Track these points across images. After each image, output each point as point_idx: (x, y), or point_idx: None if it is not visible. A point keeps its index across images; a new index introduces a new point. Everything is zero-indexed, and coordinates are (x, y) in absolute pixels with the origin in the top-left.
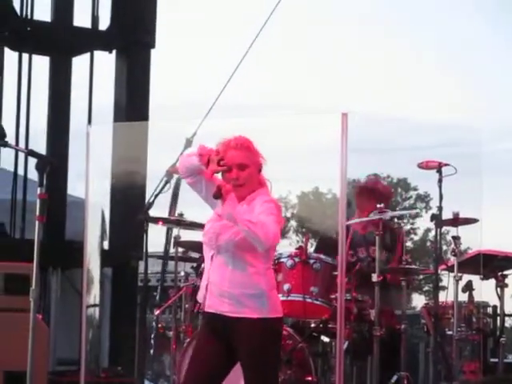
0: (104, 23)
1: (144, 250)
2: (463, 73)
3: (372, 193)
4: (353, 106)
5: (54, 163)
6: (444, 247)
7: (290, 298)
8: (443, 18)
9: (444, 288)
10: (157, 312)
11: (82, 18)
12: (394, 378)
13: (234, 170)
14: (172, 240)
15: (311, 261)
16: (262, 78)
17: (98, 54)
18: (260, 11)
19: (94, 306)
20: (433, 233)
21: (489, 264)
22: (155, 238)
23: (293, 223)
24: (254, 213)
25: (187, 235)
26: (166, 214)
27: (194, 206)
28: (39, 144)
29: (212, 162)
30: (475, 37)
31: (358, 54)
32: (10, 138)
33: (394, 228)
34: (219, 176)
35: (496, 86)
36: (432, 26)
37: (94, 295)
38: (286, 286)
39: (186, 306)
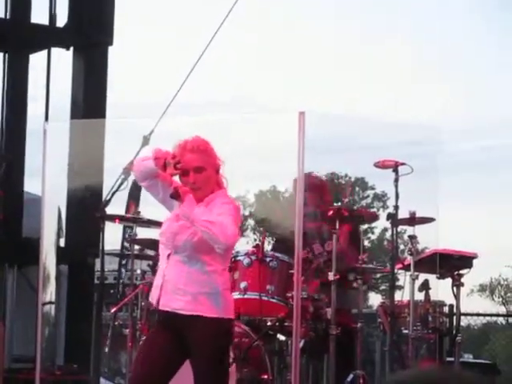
0: (62, 20)
1: (100, 248)
2: (423, 72)
3: (312, 187)
4: (311, 104)
5: (10, 160)
6: (401, 246)
7: (246, 296)
8: (405, 16)
9: (400, 287)
10: (113, 310)
11: (39, 15)
12: (350, 376)
13: (191, 173)
14: (128, 237)
15: (268, 259)
16: (220, 76)
17: (55, 51)
18: (220, 8)
19: (50, 303)
20: (390, 232)
21: (445, 263)
22: (112, 236)
23: (250, 222)
24: (213, 214)
25: (144, 233)
26: (123, 212)
27: (151, 205)
28: None
29: (169, 166)
30: (438, 34)
31: (318, 52)
32: None
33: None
34: (177, 178)
35: (456, 85)
36: (393, 24)
37: (50, 292)
38: (243, 284)
39: (143, 303)
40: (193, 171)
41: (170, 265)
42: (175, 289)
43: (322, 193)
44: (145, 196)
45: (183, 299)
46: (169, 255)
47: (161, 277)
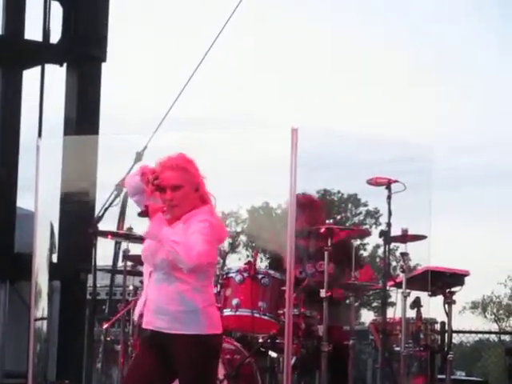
0: (55, 36)
1: (93, 264)
2: (416, 90)
3: (304, 207)
4: (304, 120)
5: (3, 175)
6: (393, 263)
7: (238, 313)
8: (401, 33)
9: (392, 304)
10: (105, 325)
11: (33, 31)
12: None
13: (168, 190)
14: (121, 254)
15: (260, 276)
16: (214, 91)
17: (48, 67)
18: (212, 25)
19: (42, 318)
20: (382, 249)
21: (437, 281)
22: (104, 252)
23: (243, 238)
24: (188, 232)
25: (136, 249)
26: (115, 228)
27: (143, 220)
28: None
29: (150, 182)
30: (432, 53)
31: (311, 70)
32: None
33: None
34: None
35: (451, 101)
36: (385, 42)
37: (42, 308)
38: (235, 301)
39: (135, 319)
40: (170, 189)
41: (151, 283)
42: (157, 308)
43: (314, 212)
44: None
45: (164, 318)
46: (150, 273)
47: (144, 295)
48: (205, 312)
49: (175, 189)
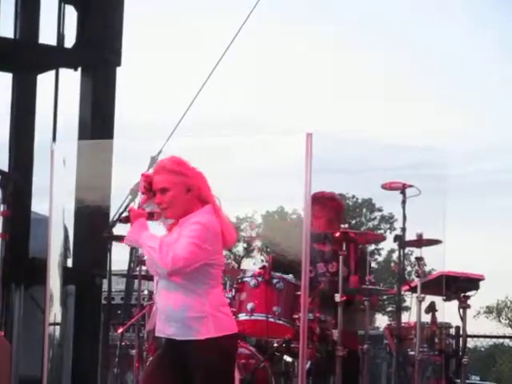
0: (70, 41)
1: (108, 268)
2: (433, 95)
3: (325, 202)
4: (319, 126)
5: (18, 180)
6: (408, 268)
7: (253, 318)
8: (414, 39)
9: (407, 309)
10: (120, 330)
11: (47, 36)
12: None
13: (158, 194)
14: (136, 258)
15: (274, 280)
16: (228, 97)
17: (63, 71)
18: (227, 29)
19: (57, 324)
20: (396, 254)
21: (452, 285)
22: (119, 256)
23: (257, 243)
24: (180, 235)
25: None
26: None
27: (158, 225)
28: (2, 161)
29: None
30: (446, 58)
31: (326, 75)
32: None
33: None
34: None
35: (466, 108)
36: (401, 48)
37: (57, 313)
38: (250, 306)
39: (149, 328)
40: (159, 192)
41: (159, 291)
42: (166, 316)
43: (341, 214)
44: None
45: (175, 325)
46: (157, 281)
47: (155, 304)
48: (213, 315)
49: (163, 192)
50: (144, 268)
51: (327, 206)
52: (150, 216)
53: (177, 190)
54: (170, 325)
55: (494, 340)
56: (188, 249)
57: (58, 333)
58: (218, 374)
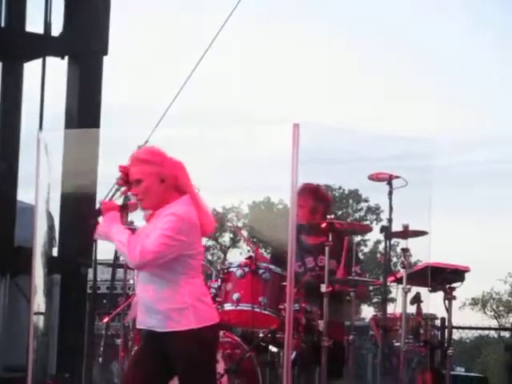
0: (57, 29)
1: (93, 258)
2: (419, 85)
3: (311, 193)
4: (305, 116)
5: (3, 169)
6: (394, 259)
7: (238, 308)
8: (395, 31)
9: (393, 300)
10: (106, 320)
11: (34, 24)
12: None
13: (133, 185)
14: None
15: (260, 271)
16: (215, 87)
17: (50, 60)
18: (214, 20)
19: (42, 313)
20: (383, 245)
21: (437, 276)
22: (105, 246)
23: (244, 233)
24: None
25: None
26: None
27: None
28: None
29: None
30: (431, 48)
31: (312, 65)
32: None
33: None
34: None
35: (453, 99)
36: (386, 38)
37: (42, 302)
38: (236, 296)
39: (129, 319)
40: (134, 183)
41: (139, 283)
42: (146, 308)
43: (327, 205)
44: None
45: (155, 317)
46: (137, 273)
47: (136, 295)
48: (193, 306)
49: (137, 183)
50: None
51: (312, 196)
52: (124, 208)
53: (150, 180)
54: (151, 316)
55: (480, 332)
56: (158, 241)
57: (43, 322)
58: (200, 365)
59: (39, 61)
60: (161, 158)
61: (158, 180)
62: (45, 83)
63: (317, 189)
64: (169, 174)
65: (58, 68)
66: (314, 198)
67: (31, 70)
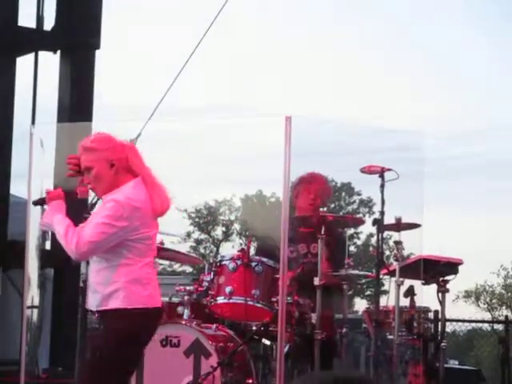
0: (49, 23)
1: None
2: (411, 78)
3: (311, 183)
4: (297, 109)
5: None
6: (387, 252)
7: (231, 301)
8: (391, 21)
9: (386, 293)
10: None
11: (26, 18)
12: None
13: (85, 174)
14: None
15: (253, 263)
16: (207, 80)
17: (42, 54)
18: (205, 13)
19: (35, 306)
20: (375, 238)
21: (430, 269)
22: None
23: (236, 226)
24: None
25: None
26: None
27: None
28: None
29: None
30: (424, 42)
31: (304, 57)
32: None
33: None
34: None
35: (445, 92)
36: (380, 30)
37: (35, 295)
38: (228, 289)
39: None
40: (85, 172)
41: (90, 265)
42: (92, 289)
43: (328, 196)
44: None
45: (97, 297)
46: None
47: None
48: (125, 287)
49: (88, 171)
50: None
51: (324, 188)
52: (71, 196)
53: (99, 166)
54: (94, 297)
55: (473, 324)
56: (96, 230)
57: (35, 315)
58: (116, 344)
59: (32, 55)
60: (108, 143)
61: (107, 165)
62: (37, 77)
63: (321, 177)
64: (118, 157)
65: (50, 62)
66: (318, 186)
67: (24, 64)
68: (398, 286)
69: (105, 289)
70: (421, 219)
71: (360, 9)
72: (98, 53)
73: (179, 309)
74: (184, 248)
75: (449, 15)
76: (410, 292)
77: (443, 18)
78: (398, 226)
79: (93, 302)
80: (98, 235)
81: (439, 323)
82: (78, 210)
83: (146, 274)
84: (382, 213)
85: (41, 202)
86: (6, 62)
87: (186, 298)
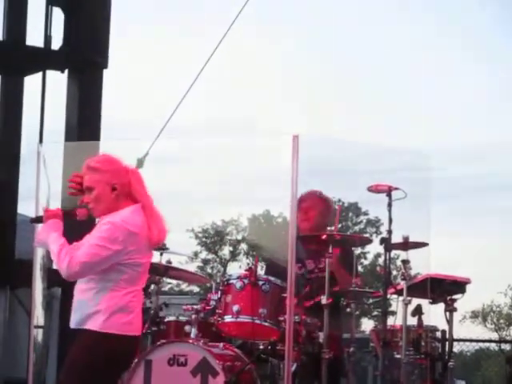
0: (57, 43)
1: None
2: (415, 98)
3: (303, 202)
4: (305, 128)
5: (4, 182)
6: (394, 272)
7: (239, 320)
8: (393, 41)
9: (393, 312)
10: None
11: (34, 37)
12: None
13: (86, 193)
14: None
15: (260, 282)
16: (215, 99)
17: (50, 73)
18: (214, 32)
19: (42, 326)
20: (382, 258)
21: (438, 288)
22: None
23: (243, 246)
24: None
25: None
26: None
27: None
28: None
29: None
30: (426, 61)
31: (310, 77)
32: None
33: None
34: None
35: (449, 111)
36: (382, 49)
37: (42, 315)
38: (235, 308)
39: None
40: (86, 191)
41: (76, 283)
42: (75, 307)
43: (330, 216)
44: None
45: (77, 316)
46: None
47: None
48: (106, 312)
49: (89, 191)
50: None
51: (315, 202)
52: (69, 216)
53: (100, 188)
54: (74, 315)
55: (480, 344)
56: (89, 251)
57: (43, 335)
58: (79, 368)
59: (39, 74)
60: (112, 166)
61: (109, 188)
62: (45, 96)
63: (314, 193)
64: (120, 181)
65: (58, 81)
66: (317, 204)
67: (31, 83)
68: (406, 305)
69: (87, 309)
70: (428, 238)
71: (368, 26)
72: (105, 72)
73: (186, 328)
74: (191, 268)
75: (447, 40)
76: (418, 311)
77: (447, 43)
78: (406, 244)
79: (73, 320)
80: (91, 256)
81: (447, 343)
82: (84, 229)
83: (130, 303)
84: (390, 231)
85: (39, 220)
86: (13, 81)
87: (193, 316)
